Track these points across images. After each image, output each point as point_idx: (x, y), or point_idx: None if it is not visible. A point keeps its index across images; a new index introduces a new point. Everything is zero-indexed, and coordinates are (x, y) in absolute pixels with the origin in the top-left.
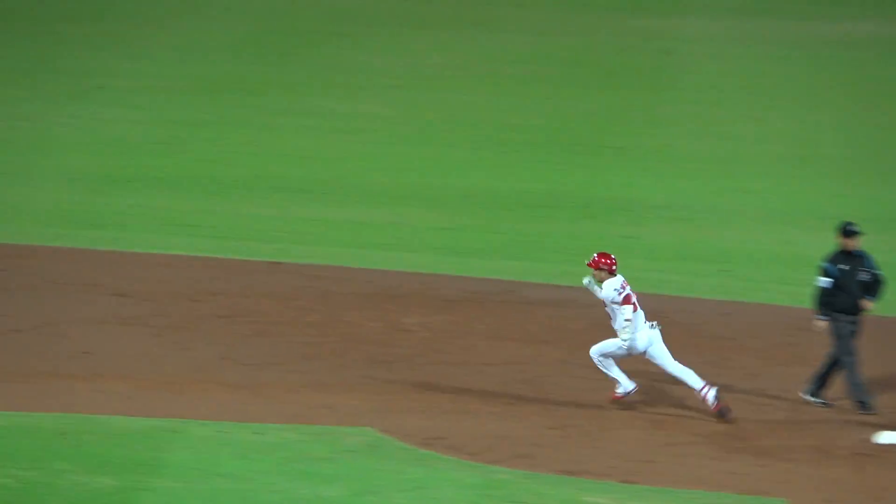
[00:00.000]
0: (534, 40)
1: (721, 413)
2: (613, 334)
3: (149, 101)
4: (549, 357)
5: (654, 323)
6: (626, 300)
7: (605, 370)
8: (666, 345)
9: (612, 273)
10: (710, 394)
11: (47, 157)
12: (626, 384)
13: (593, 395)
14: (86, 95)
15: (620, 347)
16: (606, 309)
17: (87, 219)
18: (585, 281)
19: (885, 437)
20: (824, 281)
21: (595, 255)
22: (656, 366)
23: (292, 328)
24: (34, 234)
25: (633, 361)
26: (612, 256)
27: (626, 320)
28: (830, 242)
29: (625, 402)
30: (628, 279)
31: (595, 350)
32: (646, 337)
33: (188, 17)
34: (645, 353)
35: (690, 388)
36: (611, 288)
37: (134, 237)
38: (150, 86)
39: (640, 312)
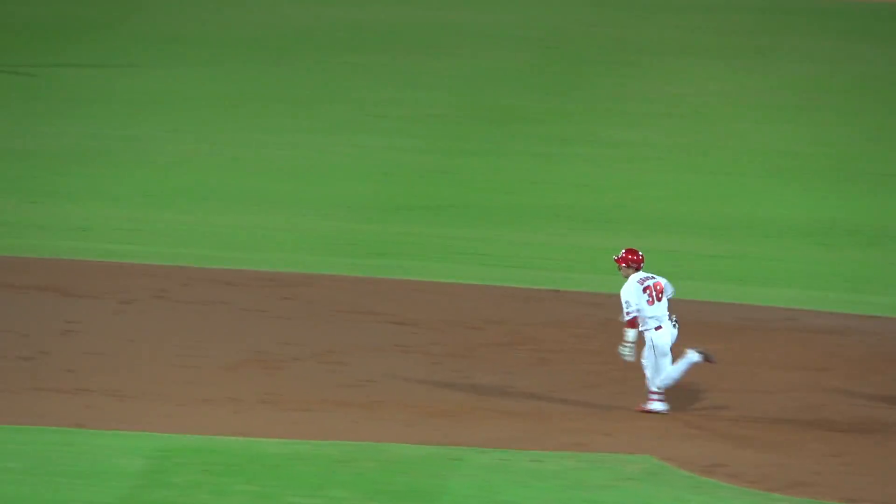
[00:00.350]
0: (815, 68)
1: (647, 412)
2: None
3: (426, 130)
4: (828, 384)
5: (676, 319)
6: (632, 323)
7: (666, 381)
8: None
9: (637, 270)
10: (658, 405)
11: (325, 185)
12: (660, 405)
13: (874, 423)
14: (366, 125)
15: (652, 348)
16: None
17: (366, 247)
18: (625, 353)
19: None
20: None
21: (624, 250)
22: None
23: (573, 356)
24: (315, 262)
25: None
26: (640, 254)
27: (627, 343)
28: None
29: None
30: None
31: (655, 383)
32: (669, 333)
33: (467, 47)
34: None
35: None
36: (623, 296)
37: (411, 265)
38: (428, 114)
39: (664, 305)
